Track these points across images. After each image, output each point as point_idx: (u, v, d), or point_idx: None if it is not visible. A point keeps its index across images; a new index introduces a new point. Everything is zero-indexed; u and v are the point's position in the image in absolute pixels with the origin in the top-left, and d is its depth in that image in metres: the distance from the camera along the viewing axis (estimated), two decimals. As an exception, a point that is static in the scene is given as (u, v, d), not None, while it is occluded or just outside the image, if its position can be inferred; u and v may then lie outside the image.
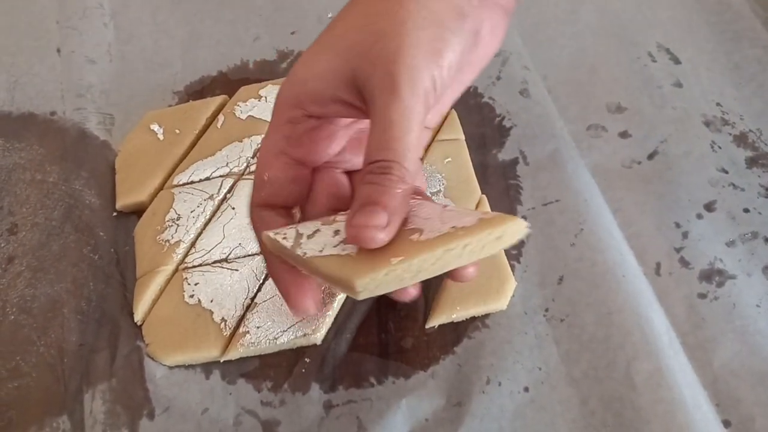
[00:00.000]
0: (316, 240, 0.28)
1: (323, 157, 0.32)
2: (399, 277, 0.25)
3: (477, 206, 0.45)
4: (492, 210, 0.45)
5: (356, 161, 0.33)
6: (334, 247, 0.27)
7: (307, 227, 0.29)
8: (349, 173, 0.34)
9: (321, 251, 0.27)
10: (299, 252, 0.27)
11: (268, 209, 0.32)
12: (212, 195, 0.45)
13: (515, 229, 0.26)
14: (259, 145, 0.47)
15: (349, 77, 0.29)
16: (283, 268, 0.31)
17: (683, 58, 0.53)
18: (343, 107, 0.30)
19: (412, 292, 0.28)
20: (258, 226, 0.32)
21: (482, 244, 0.26)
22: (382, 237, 0.26)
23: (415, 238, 0.26)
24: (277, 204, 0.32)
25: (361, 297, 0.25)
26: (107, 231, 0.45)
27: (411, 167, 0.27)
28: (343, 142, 0.33)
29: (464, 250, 0.26)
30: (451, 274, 0.28)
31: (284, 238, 0.28)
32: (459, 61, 0.29)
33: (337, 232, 0.28)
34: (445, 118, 0.48)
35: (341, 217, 0.29)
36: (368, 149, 0.27)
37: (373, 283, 0.25)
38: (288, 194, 0.32)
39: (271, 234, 0.29)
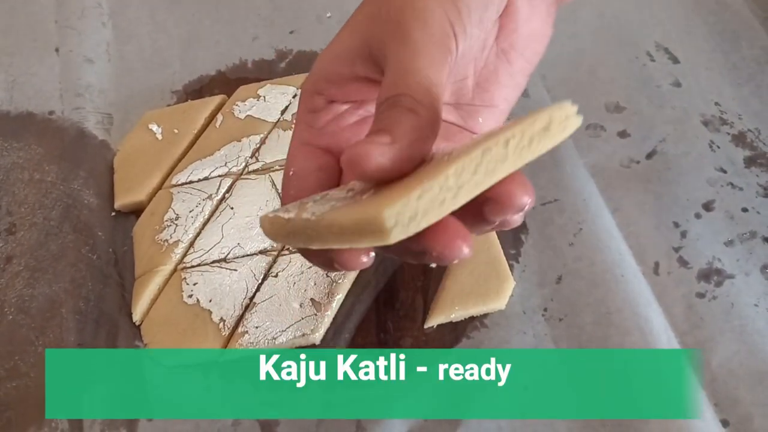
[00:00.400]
0: (325, 201, 0.23)
1: None
2: (437, 200, 0.20)
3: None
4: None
5: None
6: (350, 199, 0.23)
7: (313, 196, 0.25)
8: None
9: (332, 207, 0.22)
10: (306, 215, 0.22)
11: None
12: (211, 195, 0.45)
13: (561, 114, 0.22)
14: (258, 145, 0.47)
15: (364, 49, 0.26)
16: None
17: (682, 57, 0.53)
18: (363, 85, 0.27)
19: (465, 249, 0.21)
20: None
21: (528, 137, 0.21)
22: (381, 157, 0.21)
23: (447, 159, 0.21)
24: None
25: (393, 237, 0.19)
26: (106, 231, 0.45)
27: (426, 101, 0.23)
28: None
29: (508, 148, 0.21)
30: (499, 202, 0.21)
31: (286, 211, 0.24)
32: (484, 13, 0.26)
33: (351, 190, 0.24)
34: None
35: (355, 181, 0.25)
36: (378, 95, 0.24)
37: (406, 212, 0.19)
38: (315, 184, 0.28)
39: (270, 214, 0.24)
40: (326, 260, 0.23)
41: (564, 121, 0.22)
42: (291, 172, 0.28)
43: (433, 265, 0.23)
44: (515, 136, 0.21)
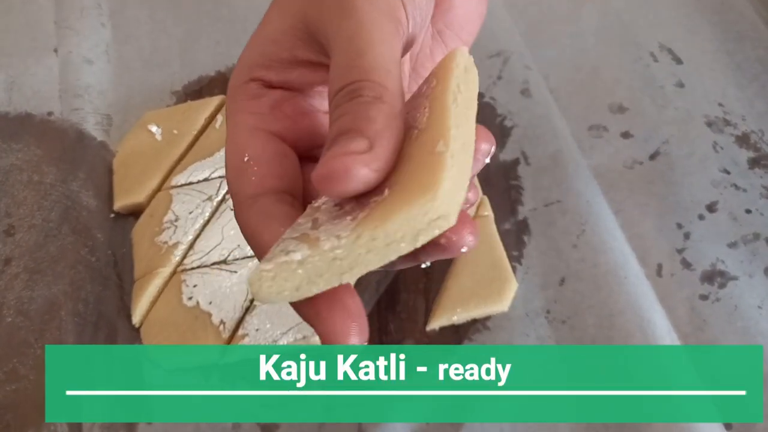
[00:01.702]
0: (329, 221, 0.19)
1: (311, 138, 0.25)
2: (462, 165, 0.19)
3: (478, 208, 0.44)
4: (494, 212, 0.44)
5: None
6: (350, 212, 0.19)
7: (298, 228, 0.20)
8: None
9: (353, 220, 0.18)
10: (329, 244, 0.18)
11: (265, 196, 0.22)
12: (210, 196, 0.45)
13: (466, 57, 0.22)
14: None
15: (303, 30, 0.23)
16: None
17: (685, 58, 0.53)
18: (307, 70, 0.24)
19: (470, 239, 0.20)
20: (260, 221, 0.22)
21: (463, 81, 0.21)
22: (366, 169, 0.18)
23: (415, 134, 0.20)
24: (273, 188, 0.23)
25: (453, 218, 0.18)
26: (105, 233, 0.45)
27: (389, 84, 0.20)
28: None
29: (459, 95, 0.20)
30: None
31: (286, 254, 0.19)
32: None
33: (337, 205, 0.20)
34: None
35: (323, 200, 0.21)
36: (329, 84, 0.21)
37: (451, 186, 0.18)
38: (280, 173, 0.23)
39: (265, 267, 0.19)
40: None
41: (468, 62, 0.22)
42: (246, 158, 0.23)
43: (426, 264, 0.22)
44: (458, 84, 0.21)
